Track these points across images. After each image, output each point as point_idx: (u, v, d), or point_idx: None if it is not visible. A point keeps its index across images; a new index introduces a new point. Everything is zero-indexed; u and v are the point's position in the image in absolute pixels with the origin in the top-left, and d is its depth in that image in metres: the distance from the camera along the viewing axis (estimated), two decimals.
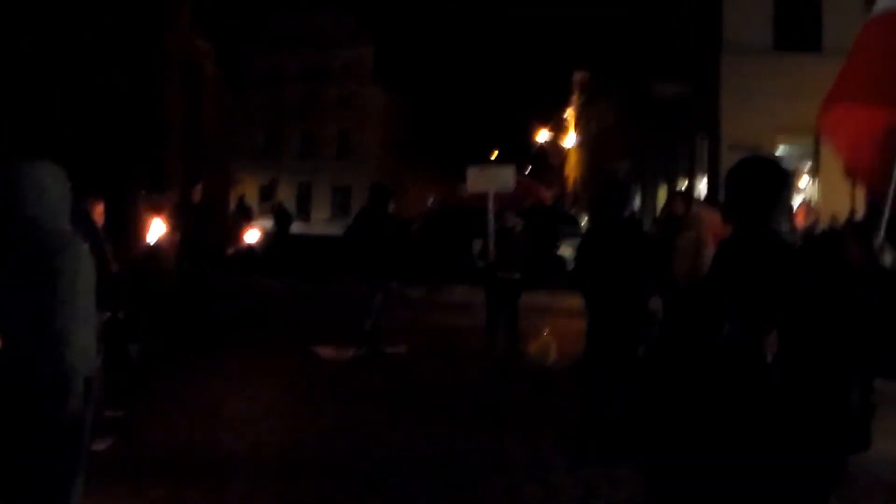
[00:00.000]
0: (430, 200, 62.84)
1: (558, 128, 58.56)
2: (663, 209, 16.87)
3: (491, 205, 11.72)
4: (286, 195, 56.46)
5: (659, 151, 29.67)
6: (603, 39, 40.15)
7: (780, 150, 23.18)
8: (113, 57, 28.01)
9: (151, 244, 9.03)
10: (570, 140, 56.17)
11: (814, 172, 23.06)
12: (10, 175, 3.95)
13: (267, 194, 57.16)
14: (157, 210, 9.46)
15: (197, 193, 10.43)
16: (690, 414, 3.06)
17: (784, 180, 3.26)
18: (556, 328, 13.05)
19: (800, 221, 8.72)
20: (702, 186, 25.67)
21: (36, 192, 3.93)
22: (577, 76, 54.87)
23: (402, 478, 6.60)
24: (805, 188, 23.18)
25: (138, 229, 8.92)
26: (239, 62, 48.93)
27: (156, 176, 27.93)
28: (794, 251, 3.22)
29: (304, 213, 53.15)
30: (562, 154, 59.46)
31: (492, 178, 12.28)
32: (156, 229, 8.86)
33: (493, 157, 75.51)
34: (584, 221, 27.56)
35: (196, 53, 38.28)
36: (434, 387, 9.82)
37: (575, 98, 55.90)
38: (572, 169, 57.60)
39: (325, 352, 11.48)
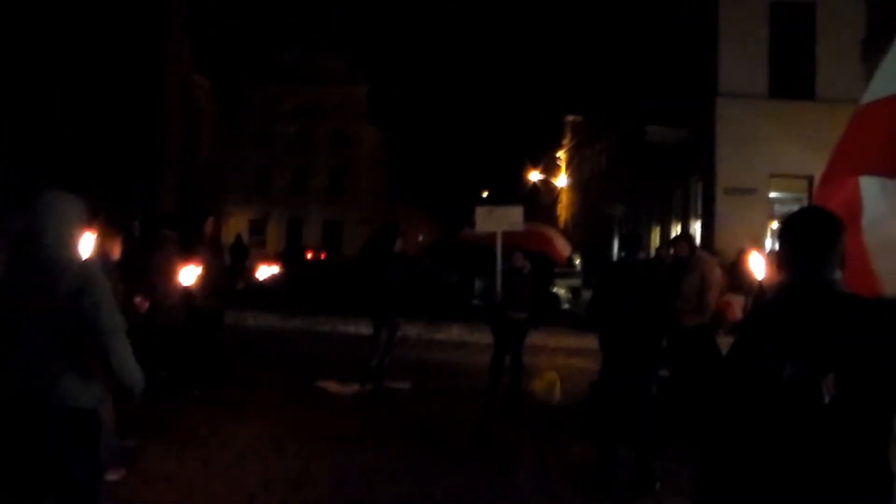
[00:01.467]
0: (420, 238, 63.13)
1: (550, 168, 58.90)
2: (658, 251, 17.00)
3: (499, 245, 11.80)
4: (277, 230, 56.51)
5: (653, 194, 29.91)
6: (596, 84, 40.47)
7: (774, 195, 23.42)
8: (114, 86, 28.19)
9: (184, 287, 8.99)
10: (561, 180, 56.48)
11: None
12: (37, 205, 4.05)
13: (258, 229, 57.15)
14: (182, 249, 9.46)
15: (209, 227, 10.43)
16: (748, 449, 3.12)
17: (838, 230, 3.33)
18: (557, 366, 13.11)
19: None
20: (696, 229, 25.84)
21: (56, 222, 4.04)
22: (570, 118, 55.37)
23: None
24: None
25: (155, 264, 8.88)
26: (234, 98, 49.11)
27: (150, 207, 28.02)
28: (852, 300, 3.27)
29: (296, 247, 53.07)
30: (553, 194, 59.73)
31: (500, 219, 12.38)
32: (190, 274, 8.81)
33: (483, 196, 76.09)
34: (577, 261, 27.65)
35: (194, 88, 38.55)
36: (442, 425, 9.78)
37: (567, 140, 56.32)
38: (564, 209, 57.86)
39: (331, 386, 11.46)
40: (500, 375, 11.57)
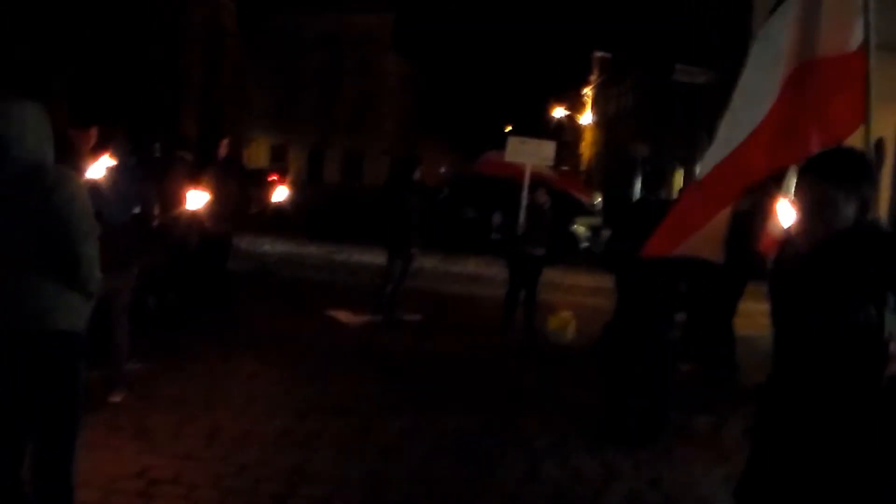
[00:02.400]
0: (442, 170, 62.68)
1: (575, 105, 58.23)
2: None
3: (527, 179, 11.58)
4: (297, 158, 56.25)
5: (678, 136, 29.44)
6: (627, 21, 39.69)
7: None
8: (137, 8, 27.84)
9: (191, 211, 8.83)
10: (586, 118, 55.86)
11: None
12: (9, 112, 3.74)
13: (278, 156, 56.92)
14: (193, 172, 9.29)
15: (223, 149, 10.23)
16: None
17: (872, 169, 3.20)
18: (571, 305, 12.95)
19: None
20: None
21: (20, 130, 3.74)
22: (597, 55, 54.57)
23: (419, 450, 6.47)
24: None
25: (168, 186, 8.69)
26: (259, 23, 48.48)
27: (172, 129, 27.78)
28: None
29: (316, 177, 52.85)
30: (577, 132, 59.15)
31: (532, 152, 12.17)
32: (197, 198, 8.63)
33: (507, 131, 75.49)
34: (597, 200, 27.38)
35: (219, 10, 38.04)
36: (452, 360, 9.66)
37: (594, 77, 55.58)
38: (587, 147, 57.34)
39: (342, 315, 11.35)
40: (513, 311, 11.45)
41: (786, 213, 8.30)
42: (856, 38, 4.13)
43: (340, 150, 57.84)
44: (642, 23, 33.85)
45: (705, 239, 4.82)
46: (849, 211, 3.12)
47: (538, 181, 12.08)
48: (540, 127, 71.31)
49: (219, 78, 39.29)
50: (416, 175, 11.50)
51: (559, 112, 60.02)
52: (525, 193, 11.56)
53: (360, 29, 56.38)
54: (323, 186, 34.84)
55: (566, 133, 63.09)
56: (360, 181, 51.18)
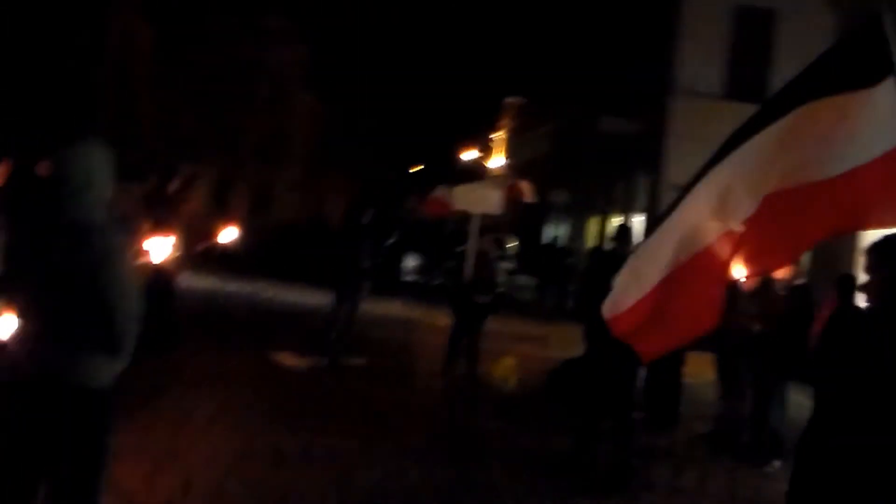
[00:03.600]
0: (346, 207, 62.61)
1: (485, 149, 58.84)
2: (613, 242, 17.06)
3: (476, 226, 11.71)
4: (204, 190, 55.33)
5: (596, 184, 29.99)
6: (544, 68, 40.46)
7: None
8: (52, 30, 27.13)
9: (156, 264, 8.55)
10: (495, 162, 56.52)
11: None
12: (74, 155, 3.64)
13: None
14: (157, 216, 9.01)
15: (174, 186, 10.04)
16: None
17: None
18: (505, 351, 13.11)
19: (782, 273, 8.82)
20: (636, 223, 26.04)
21: (101, 179, 3.66)
22: (510, 100, 55.34)
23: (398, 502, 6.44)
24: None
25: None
26: (175, 52, 47.81)
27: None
28: None
29: (223, 211, 52.00)
30: (486, 175, 59.75)
31: (480, 200, 12.29)
32: (162, 249, 8.28)
33: (415, 171, 75.76)
34: (510, 244, 27.78)
35: (136, 36, 37.42)
36: (407, 408, 9.60)
37: (504, 122, 56.36)
38: None
39: (286, 359, 11.20)
40: (457, 356, 11.50)
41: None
42: (890, 139, 4.33)
43: (248, 185, 57.19)
44: (562, 72, 34.57)
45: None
46: None
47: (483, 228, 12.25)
48: (449, 169, 71.99)
49: (135, 104, 38.54)
50: (367, 219, 11.50)
51: (469, 155, 60.56)
52: (472, 240, 11.68)
53: (273, 62, 56.13)
54: (268, 223, 34.52)
55: (475, 176, 63.75)
56: (268, 217, 50.61)
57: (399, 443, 8.05)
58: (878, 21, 4.37)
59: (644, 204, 25.47)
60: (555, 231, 35.17)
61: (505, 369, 11.43)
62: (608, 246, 8.68)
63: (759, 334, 8.68)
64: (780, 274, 8.79)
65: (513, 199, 17.30)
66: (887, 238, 3.85)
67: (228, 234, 8.85)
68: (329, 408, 9.11)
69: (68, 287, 3.54)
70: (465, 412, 9.72)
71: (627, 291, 4.69)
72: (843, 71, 4.38)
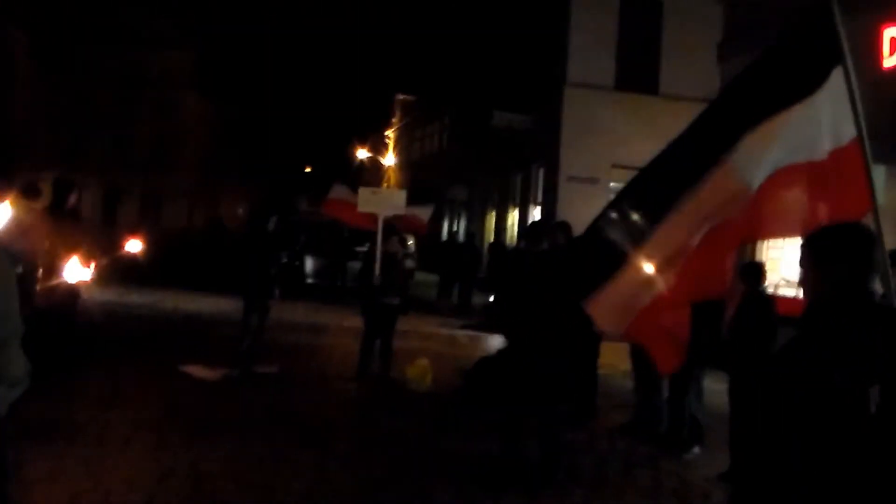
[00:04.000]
0: (240, 211, 61.64)
1: (378, 147, 58.72)
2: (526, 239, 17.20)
3: (380, 228, 11.60)
4: (93, 201, 53.72)
5: (491, 179, 30.23)
6: (433, 65, 40.48)
7: (615, 184, 24.13)
8: None
9: (68, 284, 8.20)
10: (389, 159, 56.46)
11: None
12: None
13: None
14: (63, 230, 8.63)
15: (73, 200, 9.66)
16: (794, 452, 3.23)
17: (874, 242, 3.41)
18: (415, 350, 13.06)
19: None
20: (534, 215, 26.33)
21: None
22: (400, 97, 55.32)
23: None
24: None
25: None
26: (54, 57, 46.15)
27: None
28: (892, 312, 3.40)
29: (111, 220, 50.56)
30: (380, 173, 59.63)
31: (383, 201, 12.17)
32: (76, 268, 7.94)
33: (306, 172, 75.10)
34: (410, 241, 27.70)
35: (8, 41, 36.00)
36: (325, 415, 9.44)
37: (397, 118, 56.31)
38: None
39: (197, 371, 10.90)
40: (370, 360, 11.42)
41: None
42: (848, 132, 4.47)
43: (138, 192, 55.75)
44: (452, 68, 34.67)
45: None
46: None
47: (389, 227, 12.15)
48: (342, 168, 71.54)
49: (10, 113, 37.08)
50: (272, 225, 11.31)
51: (362, 153, 60.42)
52: (379, 242, 11.59)
53: (160, 66, 54.83)
54: (163, 231, 33.61)
55: (368, 174, 63.57)
56: (159, 224, 49.43)
57: (323, 450, 7.92)
58: (828, 12, 4.52)
59: (541, 196, 25.77)
60: (454, 226, 35.27)
61: (420, 370, 11.36)
62: (519, 243, 8.61)
63: None
64: None
65: (410, 230, 17.20)
66: (835, 231, 3.74)
67: (133, 246, 8.57)
68: (247, 419, 8.90)
69: None
70: (386, 416, 9.61)
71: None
72: (796, 76, 4.53)
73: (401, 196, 12.61)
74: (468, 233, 33.02)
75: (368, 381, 11.18)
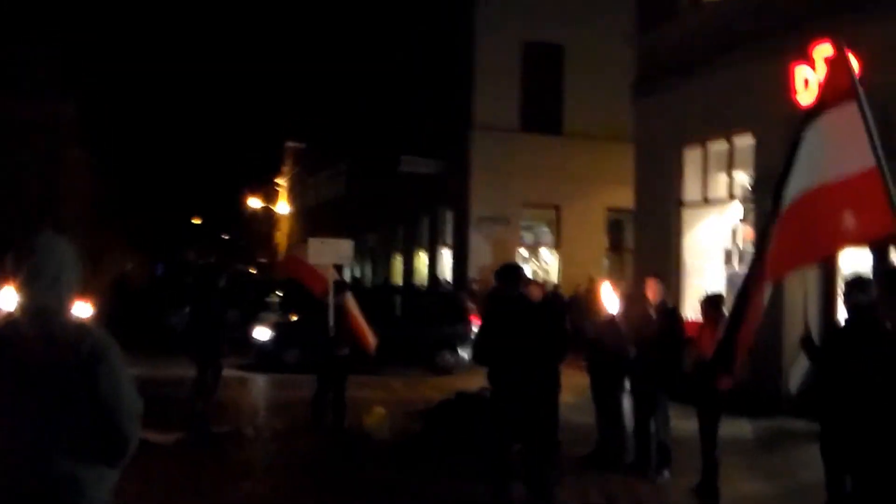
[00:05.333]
0: (129, 266, 60.11)
1: (270, 195, 58.19)
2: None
3: (331, 278, 11.65)
4: None
5: (395, 222, 30.38)
6: (326, 111, 40.52)
7: (524, 223, 24.69)
8: None
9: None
10: (282, 208, 56.04)
11: (554, 245, 24.70)
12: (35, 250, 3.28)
13: None
14: None
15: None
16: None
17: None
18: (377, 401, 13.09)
19: (651, 295, 9.37)
20: (443, 256, 26.63)
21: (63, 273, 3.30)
22: (290, 144, 55.00)
23: None
24: (546, 259, 24.76)
25: None
26: None
27: None
28: None
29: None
30: (273, 222, 59.15)
31: (333, 251, 12.22)
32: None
33: (195, 223, 73.85)
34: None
35: None
36: (290, 468, 9.41)
37: (287, 167, 55.97)
38: (283, 237, 57.41)
39: (150, 436, 10.64)
40: (323, 411, 11.40)
41: (609, 296, 9.14)
42: (868, 158, 4.94)
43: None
44: (353, 113, 34.81)
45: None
46: None
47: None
48: (233, 217, 70.64)
49: None
50: (223, 282, 11.24)
51: (254, 202, 59.76)
52: (332, 293, 11.62)
53: (39, 118, 53.26)
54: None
55: (261, 224, 62.93)
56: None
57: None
58: (843, 53, 5.18)
59: (451, 238, 26.09)
60: (359, 270, 35.20)
61: (377, 419, 11.39)
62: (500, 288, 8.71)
63: (635, 356, 9.17)
64: (651, 297, 9.35)
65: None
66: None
67: (84, 310, 8.45)
68: (210, 481, 8.79)
69: (56, 403, 3.16)
70: (356, 465, 9.63)
71: None
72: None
73: (347, 245, 12.67)
74: (374, 275, 33.11)
75: (327, 434, 11.13)
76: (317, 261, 12.04)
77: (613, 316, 9.25)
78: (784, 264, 5.53)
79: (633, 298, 9.82)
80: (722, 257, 14.60)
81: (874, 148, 5.01)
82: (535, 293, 9.89)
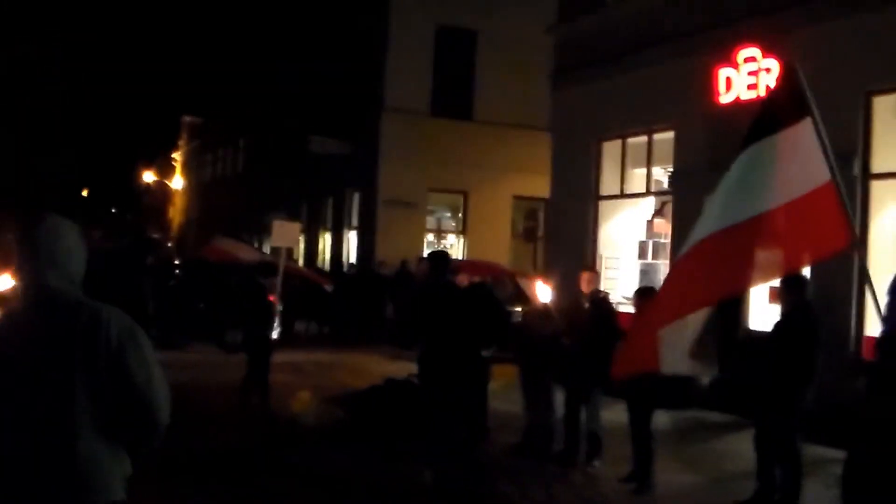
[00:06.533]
0: (9, 237, 57.67)
1: (165, 170, 56.68)
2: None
3: (282, 262, 11.50)
4: None
5: (298, 202, 29.95)
6: (228, 85, 39.62)
7: (432, 207, 24.70)
8: None
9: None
10: (177, 182, 54.72)
11: (461, 230, 24.80)
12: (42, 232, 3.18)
13: None
14: None
15: None
16: None
17: None
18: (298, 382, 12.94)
19: (585, 287, 9.48)
20: (349, 239, 26.46)
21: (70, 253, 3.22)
22: (187, 119, 53.73)
23: None
24: (452, 244, 24.81)
25: None
26: None
27: None
28: None
29: None
30: (167, 197, 57.73)
31: (291, 233, 12.13)
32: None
33: (84, 196, 71.34)
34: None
35: None
36: (233, 459, 9.20)
37: (185, 141, 54.66)
38: (178, 213, 56.16)
39: None
40: (251, 396, 11.22)
41: (542, 289, 9.24)
42: (823, 174, 4.99)
43: None
44: (257, 88, 34.13)
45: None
46: None
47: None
48: (125, 191, 68.65)
49: None
50: (150, 259, 10.91)
51: (148, 176, 58.13)
52: (280, 276, 11.48)
53: None
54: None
55: (154, 198, 61.32)
56: None
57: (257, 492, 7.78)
58: (793, 71, 5.15)
59: (357, 220, 25.93)
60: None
61: (304, 403, 11.27)
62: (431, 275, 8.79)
63: (567, 346, 9.26)
64: (583, 288, 9.48)
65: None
66: None
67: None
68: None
69: (79, 389, 3.04)
70: (297, 451, 9.47)
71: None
72: (773, 115, 5.10)
73: (296, 228, 12.64)
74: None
75: (258, 419, 10.91)
76: (279, 243, 11.98)
77: (545, 304, 9.37)
78: (730, 285, 5.49)
79: (564, 288, 9.96)
80: (636, 250, 14.90)
81: (828, 162, 5.10)
82: (462, 280, 10.01)
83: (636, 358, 5.56)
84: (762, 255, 5.12)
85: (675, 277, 5.57)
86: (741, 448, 8.74)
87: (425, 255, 12.10)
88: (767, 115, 5.26)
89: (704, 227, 5.16)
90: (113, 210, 73.76)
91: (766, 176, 5.09)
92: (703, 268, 5.08)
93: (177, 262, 21.10)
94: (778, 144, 5.20)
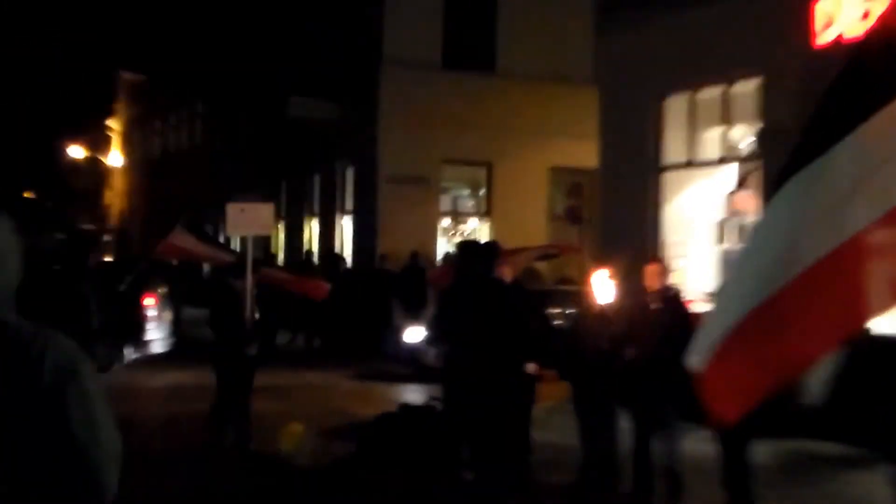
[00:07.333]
0: None
1: (98, 142, 56.51)
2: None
3: (250, 258, 11.53)
4: None
5: (277, 181, 30.00)
6: (173, 34, 39.52)
7: (448, 184, 24.73)
8: None
9: None
10: (115, 158, 54.76)
11: (484, 211, 24.84)
12: None
13: None
14: None
15: None
16: None
17: None
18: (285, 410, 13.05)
19: (652, 283, 9.45)
20: (344, 225, 26.47)
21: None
22: (126, 76, 53.29)
23: None
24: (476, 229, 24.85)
25: None
26: None
27: None
28: None
29: None
30: (100, 177, 57.75)
31: (253, 220, 12.07)
32: None
33: None
34: None
35: None
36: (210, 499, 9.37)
37: (123, 105, 54.56)
38: (117, 196, 56.21)
39: None
40: (225, 427, 11.30)
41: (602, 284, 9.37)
42: None
43: None
44: (213, 38, 34.10)
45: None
46: None
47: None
48: (45, 170, 68.44)
49: None
50: (91, 259, 11.05)
51: (76, 151, 57.69)
52: (249, 277, 11.52)
53: None
54: None
55: (83, 179, 60.94)
56: None
57: None
58: None
59: (352, 202, 25.94)
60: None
61: (295, 438, 11.34)
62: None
63: (632, 360, 9.27)
64: (650, 284, 9.48)
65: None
66: None
67: None
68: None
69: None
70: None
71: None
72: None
73: (268, 210, 12.58)
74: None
75: (236, 460, 11.01)
76: (235, 232, 11.94)
77: (603, 308, 9.44)
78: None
79: (626, 287, 9.99)
80: (712, 233, 14.87)
81: None
82: (506, 273, 10.07)
83: (749, 388, 5.31)
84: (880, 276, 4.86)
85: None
86: (870, 490, 8.76)
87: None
88: (856, 89, 4.80)
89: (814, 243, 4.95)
90: (27, 195, 73.34)
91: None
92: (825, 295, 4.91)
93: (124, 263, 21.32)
94: (869, 134, 4.69)
